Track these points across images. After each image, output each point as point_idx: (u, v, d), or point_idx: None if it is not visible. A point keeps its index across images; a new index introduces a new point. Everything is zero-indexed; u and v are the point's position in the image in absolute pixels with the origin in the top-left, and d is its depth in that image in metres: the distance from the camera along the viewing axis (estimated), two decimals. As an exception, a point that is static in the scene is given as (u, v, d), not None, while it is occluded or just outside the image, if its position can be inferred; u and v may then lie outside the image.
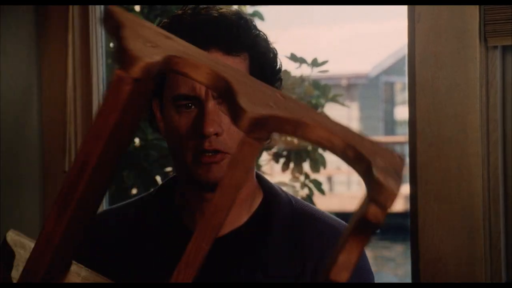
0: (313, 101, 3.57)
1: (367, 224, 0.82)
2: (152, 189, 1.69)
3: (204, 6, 1.55)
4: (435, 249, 2.00)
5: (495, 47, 1.97)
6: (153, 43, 0.90)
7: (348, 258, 0.83)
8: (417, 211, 2.02)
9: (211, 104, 1.48)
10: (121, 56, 0.88)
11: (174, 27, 1.52)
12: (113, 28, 0.89)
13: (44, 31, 2.50)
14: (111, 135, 0.88)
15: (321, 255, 1.55)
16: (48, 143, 2.50)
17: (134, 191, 3.42)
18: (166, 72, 1.50)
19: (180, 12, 1.57)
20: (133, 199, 1.70)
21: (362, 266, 1.59)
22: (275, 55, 1.58)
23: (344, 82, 14.81)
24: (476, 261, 1.97)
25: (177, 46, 0.94)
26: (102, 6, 2.54)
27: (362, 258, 1.59)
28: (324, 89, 3.59)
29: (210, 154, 1.49)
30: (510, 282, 1.98)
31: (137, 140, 3.45)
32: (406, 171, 2.10)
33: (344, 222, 1.61)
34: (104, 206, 2.52)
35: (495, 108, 1.98)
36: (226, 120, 1.49)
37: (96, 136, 0.88)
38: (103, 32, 2.54)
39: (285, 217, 1.59)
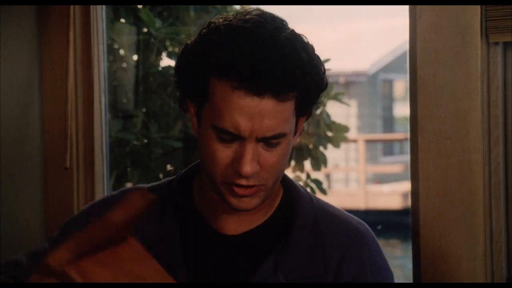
0: (315, 100, 3.58)
1: None
2: (177, 176, 1.68)
3: (251, 31, 1.45)
4: (436, 245, 2.00)
5: (497, 43, 1.97)
6: None
7: None
8: (418, 208, 2.02)
9: (253, 144, 1.46)
10: None
11: (229, 52, 1.45)
12: None
13: (45, 27, 2.50)
14: None
15: (343, 254, 1.56)
16: (49, 140, 2.50)
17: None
18: (209, 93, 1.47)
19: (233, 24, 1.47)
20: (158, 183, 1.70)
21: (383, 266, 1.60)
22: (321, 81, 1.54)
23: (342, 80, 14.80)
24: (477, 257, 1.97)
25: None
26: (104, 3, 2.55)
27: (383, 258, 1.61)
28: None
29: (245, 187, 1.49)
30: (508, 283, 1.98)
31: (140, 137, 3.45)
32: (407, 168, 2.10)
33: (363, 222, 1.63)
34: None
35: (496, 105, 1.98)
36: (265, 155, 1.48)
37: None
38: (104, 29, 2.54)
39: (306, 216, 1.59)
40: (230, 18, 1.49)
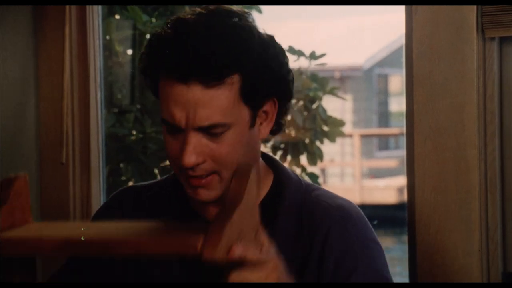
0: (311, 94, 3.59)
1: None
2: (169, 174, 1.71)
3: (190, 21, 1.49)
4: (432, 240, 2.01)
5: (493, 38, 1.97)
6: None
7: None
8: (414, 203, 2.03)
9: (192, 135, 1.47)
10: None
11: (160, 51, 1.49)
12: None
13: (41, 23, 2.49)
14: None
15: (327, 233, 1.56)
16: (45, 136, 2.49)
17: (131, 184, 3.43)
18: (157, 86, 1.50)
19: (160, 33, 1.51)
20: (153, 181, 1.73)
21: (370, 237, 1.60)
22: (276, 62, 1.53)
23: (337, 75, 14.80)
24: (473, 252, 1.97)
25: None
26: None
27: (370, 230, 1.61)
28: (322, 82, 3.60)
29: (197, 178, 1.50)
30: (505, 283, 1.98)
31: (135, 133, 3.45)
32: (403, 163, 2.11)
33: (351, 202, 1.63)
34: (101, 199, 2.53)
35: (492, 100, 1.98)
36: (212, 146, 1.49)
37: None
38: (100, 24, 2.53)
39: (295, 200, 1.60)
40: (172, 19, 1.53)
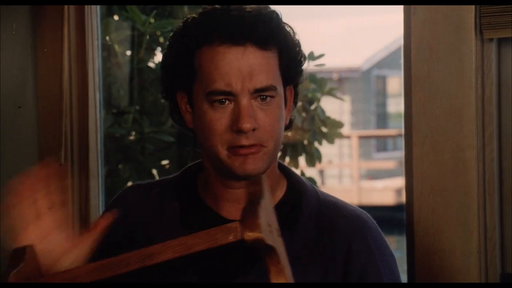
0: (309, 95, 3.59)
1: None
2: (177, 173, 1.72)
3: (232, 6, 1.58)
4: (430, 241, 2.01)
5: (491, 39, 1.97)
6: None
7: None
8: (412, 204, 2.03)
9: (247, 100, 1.52)
10: None
11: (207, 21, 1.54)
12: None
13: (40, 23, 2.49)
14: None
15: (349, 242, 1.59)
16: (44, 136, 2.49)
17: (129, 184, 3.42)
18: (196, 68, 1.55)
19: (209, 8, 1.58)
20: (158, 179, 1.75)
21: (388, 250, 1.65)
22: (299, 48, 1.62)
23: (335, 76, 14.79)
24: (471, 253, 1.97)
25: None
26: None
27: (387, 245, 1.65)
28: (320, 83, 3.60)
29: (247, 147, 1.53)
30: (503, 283, 1.98)
31: (133, 133, 3.45)
32: (401, 164, 2.11)
33: (366, 212, 1.67)
34: (100, 199, 2.53)
35: (491, 101, 1.98)
36: (261, 115, 1.53)
37: None
38: (98, 25, 2.53)
39: (312, 208, 1.62)
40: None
